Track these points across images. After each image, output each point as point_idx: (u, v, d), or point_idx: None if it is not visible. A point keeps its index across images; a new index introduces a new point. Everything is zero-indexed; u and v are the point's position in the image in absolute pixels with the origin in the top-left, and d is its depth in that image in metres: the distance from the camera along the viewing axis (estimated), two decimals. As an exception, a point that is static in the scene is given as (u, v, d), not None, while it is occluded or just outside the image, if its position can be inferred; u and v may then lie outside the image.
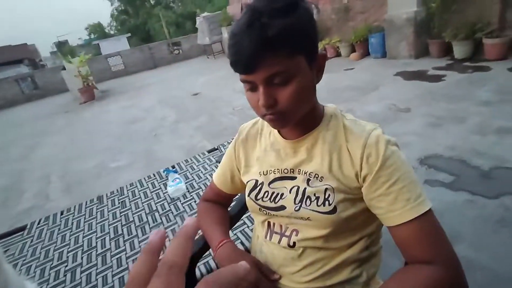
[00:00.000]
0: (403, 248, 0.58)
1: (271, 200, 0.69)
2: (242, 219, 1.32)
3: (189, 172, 1.83)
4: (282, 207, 0.67)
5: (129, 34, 22.14)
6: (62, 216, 1.66)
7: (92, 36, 26.53)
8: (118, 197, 1.73)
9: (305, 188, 0.65)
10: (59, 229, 1.48)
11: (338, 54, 6.43)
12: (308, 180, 0.65)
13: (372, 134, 0.62)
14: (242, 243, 1.16)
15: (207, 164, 1.90)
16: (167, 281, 0.20)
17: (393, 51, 5.13)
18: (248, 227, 1.27)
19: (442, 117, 2.73)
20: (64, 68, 8.30)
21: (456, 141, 2.30)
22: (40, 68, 13.79)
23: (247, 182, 0.75)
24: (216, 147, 2.10)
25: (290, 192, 0.67)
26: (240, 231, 1.23)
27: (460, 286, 0.54)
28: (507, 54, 3.90)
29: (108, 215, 1.53)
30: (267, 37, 0.51)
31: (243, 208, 1.00)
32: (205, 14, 10.69)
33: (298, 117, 0.62)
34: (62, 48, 9.02)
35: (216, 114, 4.40)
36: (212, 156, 2.01)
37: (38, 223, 1.65)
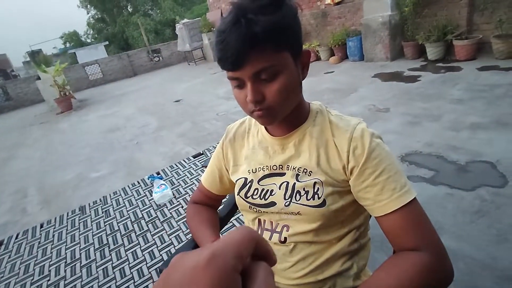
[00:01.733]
0: (391, 237, 0.60)
1: (261, 197, 0.70)
2: (231, 222, 1.31)
3: (175, 178, 1.81)
4: (272, 203, 0.68)
5: (106, 42, 21.67)
6: (42, 229, 1.60)
7: (68, 45, 25.78)
8: (101, 207, 1.68)
9: (294, 183, 0.66)
10: (39, 243, 1.42)
11: (318, 58, 6.56)
12: (297, 175, 0.66)
13: (357, 128, 0.64)
14: (232, 245, 1.15)
15: (193, 169, 1.87)
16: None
17: (370, 53, 5.29)
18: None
19: (419, 115, 2.84)
20: (38, 78, 8.00)
21: (433, 137, 2.40)
22: (12, 79, 13.22)
23: (236, 181, 0.75)
24: (201, 152, 2.08)
25: (279, 188, 0.68)
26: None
27: (445, 270, 0.56)
28: (475, 54, 4.12)
29: (91, 225, 1.48)
30: (253, 33, 0.52)
31: (233, 210, 0.99)
32: (185, 21, 10.64)
33: (286, 113, 0.63)
34: (36, 57, 8.68)
35: (199, 120, 4.37)
36: (198, 161, 1.99)
37: (16, 238, 1.57)
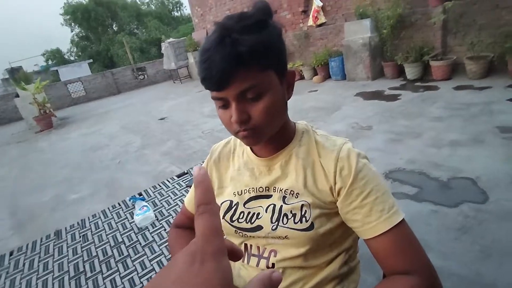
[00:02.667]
0: (380, 260, 0.59)
1: (247, 220, 0.67)
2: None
3: (158, 199, 1.75)
4: (259, 227, 0.65)
5: (90, 60, 21.49)
6: (11, 257, 1.49)
7: (50, 62, 25.39)
8: (79, 231, 1.60)
9: (281, 206, 0.64)
10: (7, 273, 1.32)
11: (302, 77, 6.72)
12: (284, 197, 0.64)
13: (343, 148, 0.64)
14: (217, 270, 1.10)
15: (177, 189, 1.82)
16: (206, 217, 0.23)
17: (351, 73, 5.46)
18: (222, 252, 1.22)
19: (401, 133, 2.91)
20: (17, 96, 7.77)
21: (415, 155, 2.45)
22: (-11, 96, 12.78)
23: (221, 204, 0.73)
24: (185, 171, 2.04)
25: (266, 211, 0.65)
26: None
27: (437, 294, 0.55)
28: (451, 74, 4.32)
29: (67, 251, 1.39)
30: (238, 53, 0.51)
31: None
32: (171, 40, 10.74)
33: (272, 133, 0.62)
34: (16, 74, 8.46)
35: (184, 138, 4.32)
36: (182, 181, 1.94)
37: (-18, 267, 1.46)
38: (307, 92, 5.49)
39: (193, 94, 7.78)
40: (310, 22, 6.55)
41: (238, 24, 0.54)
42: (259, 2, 0.60)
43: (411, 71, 4.67)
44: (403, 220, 0.59)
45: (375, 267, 0.62)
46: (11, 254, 1.49)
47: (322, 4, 6.30)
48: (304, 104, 4.70)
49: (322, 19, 6.37)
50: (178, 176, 2.02)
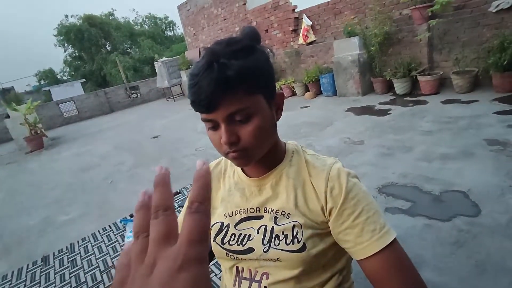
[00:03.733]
0: (374, 281, 0.58)
1: (238, 243, 0.66)
2: (209, 267, 1.24)
3: (150, 219, 1.71)
4: (251, 249, 0.64)
5: (83, 80, 21.52)
6: (-4, 285, 1.43)
7: (43, 82, 25.35)
8: (67, 256, 1.55)
9: (272, 227, 0.63)
10: (-9, 302, 1.26)
11: (293, 94, 6.81)
12: (275, 218, 0.64)
13: (333, 167, 0.64)
14: (210, 294, 1.07)
15: (169, 209, 1.79)
16: (197, 217, 0.22)
17: (342, 89, 5.57)
18: (216, 275, 1.19)
19: (392, 147, 2.95)
20: (7, 116, 7.68)
21: (407, 169, 2.47)
22: (-21, 117, 12.62)
23: (212, 226, 0.72)
24: (178, 191, 2.01)
25: (257, 233, 0.65)
26: (208, 281, 1.14)
27: (432, 315, 0.54)
28: (438, 89, 4.43)
29: (54, 278, 1.35)
30: (226, 77, 0.52)
31: (210, 255, 0.94)
32: (164, 58, 10.87)
33: (261, 154, 0.62)
34: (7, 95, 8.41)
35: (177, 156, 4.30)
36: (175, 201, 1.91)
37: (-35, 298, 1.39)
38: (299, 108, 5.56)
39: (186, 111, 7.80)
40: (301, 40, 6.72)
41: (226, 49, 0.56)
42: (247, 27, 0.62)
43: (400, 86, 4.78)
44: (395, 239, 0.58)
45: (370, 286, 0.61)
46: (-5, 282, 1.43)
47: (311, 23, 6.49)
48: (296, 119, 4.75)
49: (312, 37, 6.55)
50: (171, 196, 1.99)
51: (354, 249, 0.59)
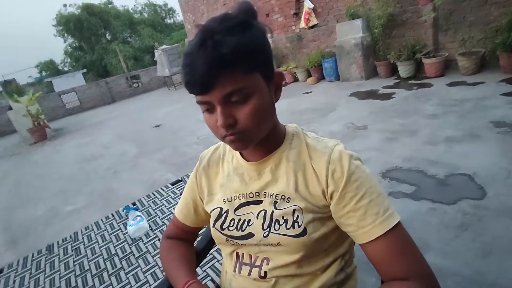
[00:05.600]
0: (377, 265, 0.56)
1: (238, 228, 0.64)
2: (211, 253, 1.24)
3: (152, 208, 1.72)
4: (250, 235, 0.63)
5: (84, 70, 21.43)
6: (1, 274, 1.44)
7: (44, 73, 25.28)
8: (71, 244, 1.56)
9: (272, 211, 0.61)
10: (-3, 291, 1.28)
11: (295, 79, 6.72)
12: (275, 202, 0.62)
13: (335, 149, 0.61)
14: (212, 280, 1.07)
15: (171, 197, 1.79)
16: None
17: (345, 73, 5.47)
18: (218, 261, 1.19)
19: (396, 131, 2.90)
20: (10, 108, 7.70)
21: (411, 152, 2.44)
22: (-18, 110, 12.69)
23: (211, 212, 0.70)
24: (180, 179, 2.00)
25: (257, 218, 0.63)
26: (210, 267, 1.14)
27: (437, 299, 0.52)
28: (443, 71, 4.34)
29: (59, 266, 1.35)
30: (221, 55, 0.49)
31: (211, 242, 0.93)
32: (164, 46, 10.74)
33: (260, 136, 0.60)
34: (8, 87, 8.43)
35: (180, 145, 4.29)
36: (177, 189, 1.91)
37: (-30, 287, 1.41)
38: (301, 93, 5.49)
39: (188, 100, 7.76)
40: (302, 24, 6.57)
41: (220, 25, 0.52)
42: (243, 3, 0.58)
43: (404, 69, 4.69)
44: (399, 222, 0.56)
45: (374, 271, 0.59)
46: (1, 271, 1.45)
47: (313, 6, 6.33)
48: (299, 105, 4.70)
49: (313, 21, 6.40)
50: (173, 184, 1.99)
51: (357, 232, 0.57)
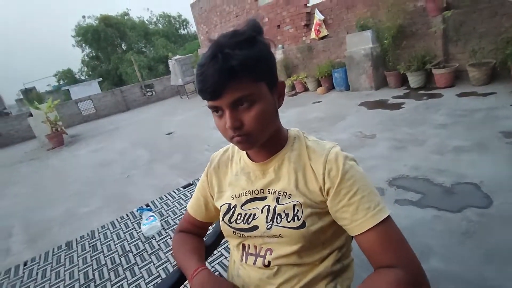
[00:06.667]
0: (369, 255, 0.62)
1: (244, 221, 0.72)
2: (219, 251, 1.31)
3: (164, 209, 1.80)
4: (255, 227, 0.70)
5: (100, 79, 22.11)
6: (25, 267, 1.55)
7: (62, 82, 26.19)
8: (88, 241, 1.66)
9: (275, 206, 0.68)
10: (21, 281, 1.37)
11: (306, 89, 6.80)
12: (278, 198, 0.69)
13: (331, 151, 0.68)
14: (220, 275, 1.13)
15: (183, 199, 1.87)
16: None
17: (355, 83, 5.52)
18: (225, 258, 1.26)
19: (404, 140, 2.93)
20: (31, 115, 8.04)
21: (419, 161, 2.46)
22: (3, 116, 13.23)
23: (220, 207, 0.78)
24: (191, 182, 2.09)
25: (261, 212, 0.70)
26: (218, 263, 1.21)
27: (420, 285, 0.58)
28: (454, 82, 4.34)
29: (78, 260, 1.45)
30: (230, 66, 0.57)
31: (219, 238, 1.00)
32: (177, 57, 11.04)
33: (264, 138, 0.67)
34: (29, 95, 8.80)
35: (191, 151, 4.40)
36: (188, 192, 1.99)
37: (-2, 277, 1.51)
38: (311, 103, 5.56)
39: (200, 108, 7.93)
40: (313, 35, 6.68)
41: (230, 40, 0.61)
42: (251, 20, 0.67)
43: (414, 80, 4.70)
44: (388, 217, 0.62)
45: (370, 266, 0.65)
46: (25, 264, 1.55)
47: (323, 17, 6.44)
48: (308, 115, 4.75)
49: (324, 32, 6.50)
50: (184, 187, 2.07)
51: (351, 225, 0.63)
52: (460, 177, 2.10)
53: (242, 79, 0.59)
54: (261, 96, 0.63)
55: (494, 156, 2.28)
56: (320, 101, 5.55)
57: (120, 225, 1.71)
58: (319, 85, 6.38)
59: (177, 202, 1.82)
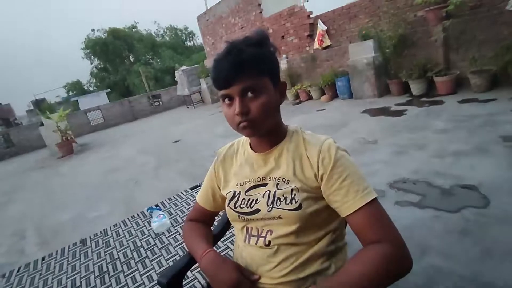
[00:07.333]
0: (358, 233, 0.70)
1: (247, 206, 0.80)
2: (225, 244, 1.39)
3: (173, 208, 1.89)
4: (257, 210, 0.78)
5: (108, 90, 22.59)
6: (43, 261, 1.64)
7: (71, 93, 26.82)
8: (102, 238, 1.75)
9: (275, 191, 0.77)
10: (40, 274, 1.46)
11: (310, 97, 6.91)
12: (277, 184, 0.78)
13: (325, 142, 0.77)
14: (226, 264, 1.21)
15: (190, 200, 1.96)
16: None
17: (358, 91, 5.62)
18: (231, 250, 1.33)
19: (405, 145, 2.99)
20: (42, 124, 8.28)
21: (419, 165, 2.52)
22: (14, 126, 13.58)
23: (226, 194, 0.86)
24: (198, 184, 2.18)
25: (263, 197, 0.78)
26: (225, 255, 1.29)
27: (404, 258, 0.66)
28: (455, 89, 4.40)
29: (92, 255, 1.54)
30: (241, 59, 0.69)
31: (225, 227, 1.08)
32: (184, 67, 11.30)
33: (267, 126, 0.76)
34: (40, 105, 9.09)
35: (197, 158, 4.50)
36: (195, 193, 2.08)
37: (18, 271, 1.61)
38: (315, 111, 5.65)
39: (206, 117, 8.08)
40: (316, 45, 6.84)
41: (243, 41, 0.74)
42: (259, 30, 0.79)
43: (416, 87, 4.78)
44: (375, 199, 0.70)
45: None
46: (43, 259, 1.65)
47: (326, 28, 6.60)
48: (312, 122, 4.85)
49: (327, 42, 6.65)
50: (192, 189, 2.17)
51: (342, 207, 0.71)
52: (459, 179, 2.15)
53: (251, 71, 0.71)
54: (266, 89, 0.74)
55: (492, 159, 2.33)
56: (324, 109, 5.64)
57: (131, 223, 1.81)
58: (323, 93, 6.49)
59: (185, 202, 1.91)
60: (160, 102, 13.92)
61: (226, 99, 0.75)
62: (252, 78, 0.71)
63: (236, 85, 0.71)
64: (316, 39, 6.82)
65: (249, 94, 0.72)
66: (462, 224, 1.69)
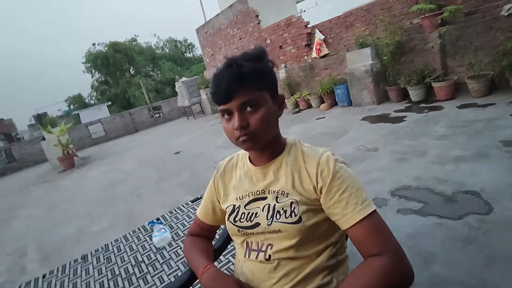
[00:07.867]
0: (358, 246, 0.70)
1: (247, 220, 0.80)
2: (227, 258, 1.38)
3: (174, 222, 1.88)
4: (257, 224, 0.78)
5: (109, 103, 22.74)
6: (44, 279, 1.63)
7: (72, 107, 26.99)
8: (103, 254, 1.73)
9: (274, 205, 0.77)
10: (41, 292, 1.45)
11: (309, 106, 6.94)
12: (277, 197, 0.78)
13: (323, 155, 0.78)
14: (228, 278, 1.20)
15: (191, 213, 1.95)
16: None
17: (357, 99, 5.64)
18: (232, 264, 1.32)
19: (406, 152, 2.99)
20: (43, 139, 8.32)
21: (420, 172, 2.51)
22: (16, 141, 13.64)
23: (226, 208, 0.86)
24: (199, 196, 2.17)
25: (263, 211, 0.78)
26: (226, 269, 1.28)
27: (405, 270, 0.65)
28: (454, 94, 4.42)
29: (93, 271, 1.53)
30: (240, 74, 0.71)
31: (226, 242, 1.08)
32: (184, 79, 11.39)
33: (265, 140, 0.77)
34: (42, 119, 9.17)
35: (198, 169, 4.50)
36: (196, 205, 2.07)
37: (19, 289, 1.59)
38: (314, 119, 5.67)
39: (206, 128, 8.11)
40: (314, 54, 6.90)
41: (241, 56, 0.75)
42: (257, 46, 0.80)
43: (414, 94, 4.80)
44: (374, 211, 0.70)
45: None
46: (44, 276, 1.63)
47: (324, 37, 6.68)
48: (312, 130, 4.86)
49: (325, 50, 6.72)
50: (192, 201, 2.16)
51: (341, 220, 0.71)
52: (460, 186, 2.15)
53: (250, 86, 0.72)
54: (265, 102, 0.75)
55: (494, 164, 2.32)
56: (324, 117, 5.66)
57: (132, 238, 1.79)
58: (322, 101, 6.52)
59: (186, 215, 1.90)
60: (161, 114, 13.99)
61: (225, 114, 0.76)
62: (251, 92, 0.72)
63: (235, 100, 0.72)
64: (314, 48, 6.89)
65: (248, 108, 0.73)
66: (465, 231, 1.68)
